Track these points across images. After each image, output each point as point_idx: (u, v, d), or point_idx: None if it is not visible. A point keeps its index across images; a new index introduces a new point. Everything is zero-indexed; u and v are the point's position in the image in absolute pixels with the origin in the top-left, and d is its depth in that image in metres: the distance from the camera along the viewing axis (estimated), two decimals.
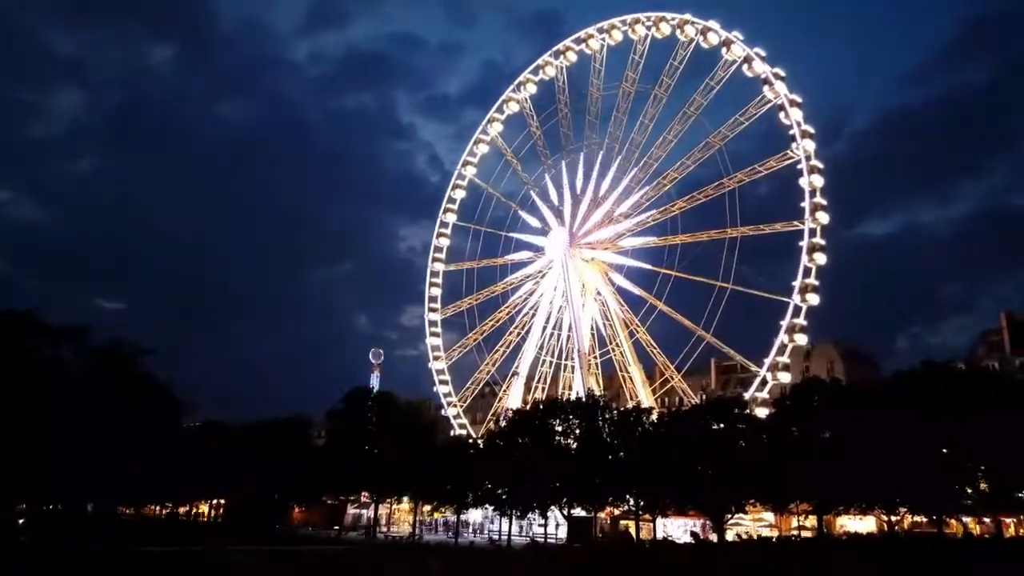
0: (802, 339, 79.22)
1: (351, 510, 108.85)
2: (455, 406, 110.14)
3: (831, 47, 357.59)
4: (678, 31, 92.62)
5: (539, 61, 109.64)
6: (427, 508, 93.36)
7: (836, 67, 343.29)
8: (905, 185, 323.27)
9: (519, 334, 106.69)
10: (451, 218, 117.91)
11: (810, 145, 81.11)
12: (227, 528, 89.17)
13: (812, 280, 77.95)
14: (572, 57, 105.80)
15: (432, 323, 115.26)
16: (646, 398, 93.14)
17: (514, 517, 75.91)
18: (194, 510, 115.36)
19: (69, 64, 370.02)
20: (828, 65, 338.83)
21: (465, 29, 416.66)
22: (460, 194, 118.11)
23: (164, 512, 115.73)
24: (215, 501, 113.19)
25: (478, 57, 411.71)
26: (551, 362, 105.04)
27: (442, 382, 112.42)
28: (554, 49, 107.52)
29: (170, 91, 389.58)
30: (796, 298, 77.86)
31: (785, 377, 78.42)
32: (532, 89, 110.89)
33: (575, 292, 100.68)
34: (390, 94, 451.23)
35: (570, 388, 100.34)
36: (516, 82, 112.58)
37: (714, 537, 64.48)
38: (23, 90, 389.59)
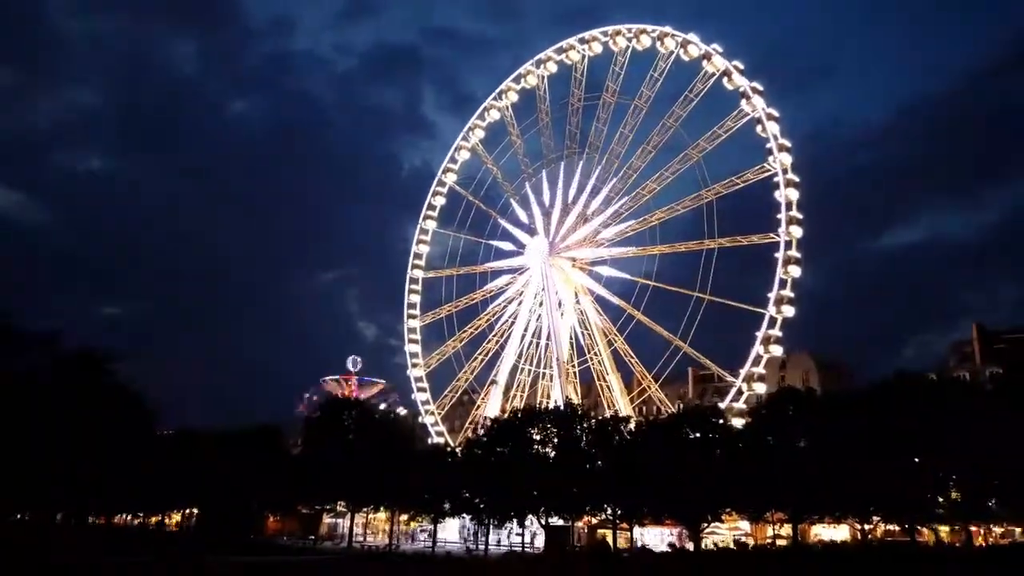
0: (777, 350, 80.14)
1: (327, 519, 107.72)
2: (432, 414, 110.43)
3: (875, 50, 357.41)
4: (658, 43, 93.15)
5: (520, 70, 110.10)
6: (404, 517, 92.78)
7: (884, 70, 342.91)
8: (931, 192, 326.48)
9: (498, 342, 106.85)
10: (431, 225, 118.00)
11: (786, 158, 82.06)
12: (200, 538, 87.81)
13: (787, 292, 78.84)
14: (552, 67, 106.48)
15: (411, 330, 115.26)
16: (624, 407, 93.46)
17: (492, 527, 75.64)
18: (166, 519, 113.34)
19: (82, 54, 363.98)
20: (875, 68, 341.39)
21: (504, 24, 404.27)
22: (440, 201, 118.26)
23: (136, 521, 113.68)
24: (188, 510, 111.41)
25: (515, 53, 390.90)
26: (530, 370, 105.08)
27: (420, 389, 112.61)
28: (536, 58, 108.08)
29: (187, 87, 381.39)
30: (771, 310, 78.79)
31: (760, 388, 79.14)
32: (514, 97, 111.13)
33: (554, 300, 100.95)
34: (417, 91, 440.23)
35: (548, 397, 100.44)
36: (497, 90, 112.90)
37: (691, 546, 64.83)
38: (30, 79, 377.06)
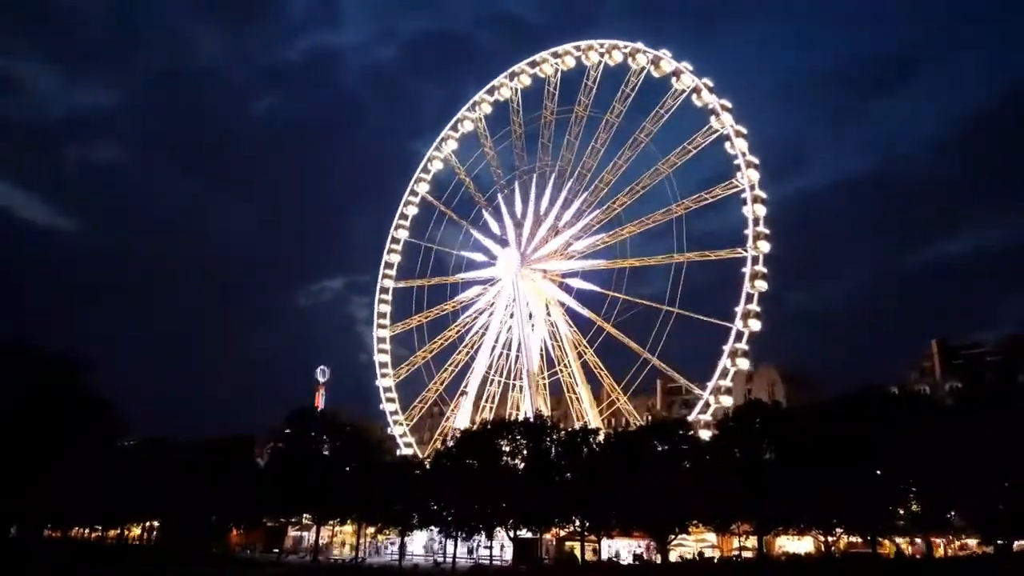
0: (744, 363, 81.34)
1: (292, 532, 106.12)
2: (401, 424, 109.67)
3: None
4: (630, 59, 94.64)
5: (494, 82, 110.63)
6: (371, 530, 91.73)
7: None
8: (967, 202, 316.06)
9: (467, 353, 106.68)
10: (403, 234, 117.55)
11: (754, 174, 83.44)
12: (161, 551, 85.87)
13: (754, 306, 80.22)
14: (526, 80, 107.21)
15: (380, 340, 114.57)
16: (594, 419, 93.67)
17: (460, 539, 75.12)
18: (126, 532, 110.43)
19: (97, 41, 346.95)
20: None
21: (574, 12, 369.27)
22: (412, 210, 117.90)
23: (93, 535, 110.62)
24: (149, 523, 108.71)
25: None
26: (500, 382, 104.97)
27: (388, 400, 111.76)
28: (509, 71, 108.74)
29: (208, 82, 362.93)
30: (738, 324, 79.95)
31: (727, 400, 79.91)
32: (487, 109, 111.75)
33: (524, 312, 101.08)
34: (460, 85, 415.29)
35: (518, 408, 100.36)
36: (471, 102, 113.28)
37: (658, 558, 65.07)
38: (37, 69, 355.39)
